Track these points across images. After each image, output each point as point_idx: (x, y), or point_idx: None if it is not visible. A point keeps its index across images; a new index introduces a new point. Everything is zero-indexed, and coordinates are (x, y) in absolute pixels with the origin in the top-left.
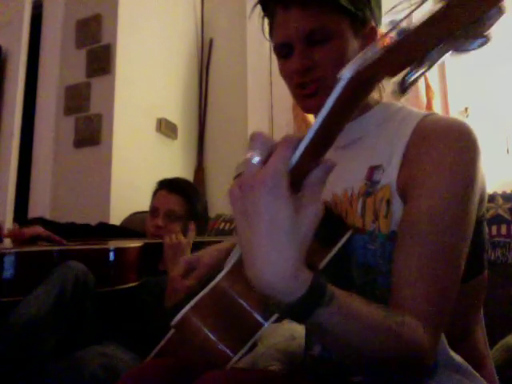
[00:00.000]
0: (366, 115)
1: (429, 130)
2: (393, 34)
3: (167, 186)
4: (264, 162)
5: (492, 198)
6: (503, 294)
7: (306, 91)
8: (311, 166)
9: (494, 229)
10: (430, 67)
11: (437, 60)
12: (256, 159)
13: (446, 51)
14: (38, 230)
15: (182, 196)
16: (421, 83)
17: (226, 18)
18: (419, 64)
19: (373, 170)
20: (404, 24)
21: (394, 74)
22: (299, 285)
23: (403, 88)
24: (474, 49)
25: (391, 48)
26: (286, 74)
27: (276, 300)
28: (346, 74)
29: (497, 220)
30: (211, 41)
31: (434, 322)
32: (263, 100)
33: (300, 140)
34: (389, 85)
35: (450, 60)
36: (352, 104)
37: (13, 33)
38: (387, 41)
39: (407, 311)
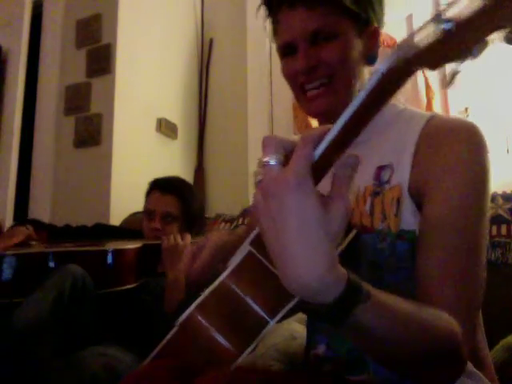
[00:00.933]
0: None
1: (439, 130)
2: (436, 25)
3: (160, 186)
4: (283, 163)
5: (492, 198)
6: (503, 294)
7: (309, 95)
8: (334, 160)
9: (494, 229)
10: (473, 59)
11: (478, 54)
12: (273, 162)
13: (488, 45)
14: (14, 239)
15: (176, 196)
16: (421, 83)
17: (226, 18)
18: (464, 58)
19: (380, 170)
20: (449, 15)
21: (435, 67)
22: (336, 282)
23: (450, 83)
24: None
25: (435, 40)
26: (289, 75)
27: (313, 302)
28: (383, 66)
29: (497, 220)
30: (211, 41)
31: (464, 317)
32: (263, 100)
33: (321, 136)
34: None
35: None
36: (385, 96)
37: (13, 33)
38: (428, 32)
39: (438, 304)
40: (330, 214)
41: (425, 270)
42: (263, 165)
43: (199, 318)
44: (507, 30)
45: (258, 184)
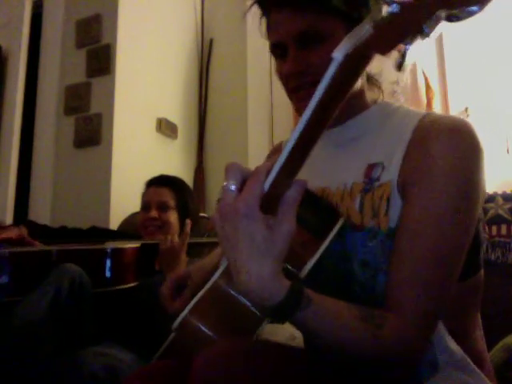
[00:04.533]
0: (364, 114)
1: (431, 129)
2: (385, 10)
3: (155, 182)
4: (239, 189)
5: (492, 198)
6: (503, 294)
7: (300, 95)
8: (285, 187)
9: (494, 229)
10: (423, 39)
11: (430, 32)
12: (232, 187)
13: (439, 22)
14: (10, 233)
15: (171, 188)
16: (421, 83)
17: (226, 18)
18: (413, 38)
19: (371, 167)
20: None
21: (386, 51)
22: (278, 291)
23: (400, 63)
24: (470, 15)
25: (384, 24)
26: (281, 76)
27: (261, 305)
28: (339, 54)
29: (497, 220)
30: (211, 41)
31: (422, 322)
32: (263, 100)
33: (269, 169)
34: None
35: (450, 60)
36: (345, 86)
37: (13, 33)
38: (379, 16)
39: (396, 310)
40: (274, 236)
41: (393, 272)
42: (223, 188)
43: (194, 320)
44: (451, 10)
45: (217, 203)
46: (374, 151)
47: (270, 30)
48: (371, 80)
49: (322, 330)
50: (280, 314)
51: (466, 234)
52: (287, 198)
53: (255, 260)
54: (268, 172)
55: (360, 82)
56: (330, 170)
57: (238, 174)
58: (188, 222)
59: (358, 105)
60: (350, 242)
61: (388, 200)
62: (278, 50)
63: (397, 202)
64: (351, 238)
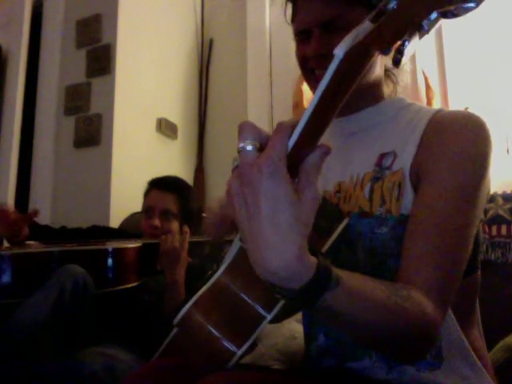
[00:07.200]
0: (379, 105)
1: (446, 122)
2: (385, 6)
3: (159, 184)
4: (258, 149)
5: (492, 198)
6: (503, 294)
7: (317, 76)
8: (307, 152)
9: (494, 229)
10: (422, 36)
11: (430, 29)
12: (249, 148)
13: (439, 19)
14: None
15: (175, 194)
16: (421, 83)
17: (226, 18)
18: (412, 35)
19: (383, 156)
20: None
21: (385, 48)
22: (306, 269)
23: (398, 59)
24: (467, 12)
25: (383, 20)
26: (301, 58)
27: (284, 288)
28: (340, 51)
29: (497, 220)
30: (211, 41)
31: (441, 294)
32: (263, 100)
33: (294, 126)
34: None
35: (450, 60)
36: (347, 81)
37: (13, 33)
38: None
39: (414, 284)
40: (300, 202)
41: (409, 247)
42: (239, 151)
43: (196, 315)
44: (448, 7)
45: (234, 170)
46: (386, 141)
47: (298, 16)
48: (388, 74)
49: (350, 309)
50: (306, 297)
51: (474, 216)
52: (310, 163)
53: (279, 231)
54: (292, 129)
55: (377, 74)
56: (342, 162)
57: (255, 134)
58: (186, 230)
59: (373, 96)
60: (354, 230)
61: (400, 187)
62: (302, 35)
63: (408, 190)
64: (357, 226)
